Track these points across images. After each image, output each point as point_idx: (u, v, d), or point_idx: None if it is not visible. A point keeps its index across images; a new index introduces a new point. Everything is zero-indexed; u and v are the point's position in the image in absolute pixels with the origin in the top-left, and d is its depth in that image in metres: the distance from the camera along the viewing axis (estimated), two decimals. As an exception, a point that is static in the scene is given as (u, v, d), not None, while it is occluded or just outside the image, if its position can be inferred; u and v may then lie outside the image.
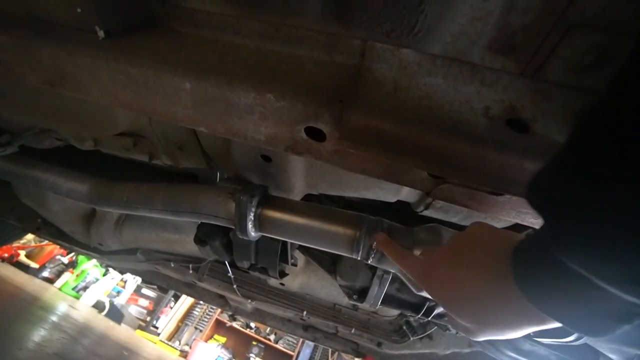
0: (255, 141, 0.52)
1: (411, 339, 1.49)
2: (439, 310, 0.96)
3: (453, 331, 1.24)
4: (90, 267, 4.87)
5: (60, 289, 4.58)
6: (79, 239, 1.73)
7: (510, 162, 0.40)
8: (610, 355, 0.70)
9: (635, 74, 0.21)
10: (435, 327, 1.46)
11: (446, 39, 0.46)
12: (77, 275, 4.74)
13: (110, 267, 4.67)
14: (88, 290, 4.70)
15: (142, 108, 0.57)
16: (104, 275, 4.95)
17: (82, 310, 4.02)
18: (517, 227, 0.76)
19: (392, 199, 0.76)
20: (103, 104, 0.60)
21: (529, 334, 0.79)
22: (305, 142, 0.48)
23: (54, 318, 2.90)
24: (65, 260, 4.88)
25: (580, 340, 0.65)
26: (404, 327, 1.51)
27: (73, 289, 4.65)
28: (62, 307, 3.56)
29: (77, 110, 0.89)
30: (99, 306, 4.57)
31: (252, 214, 0.68)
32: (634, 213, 0.20)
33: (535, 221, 0.46)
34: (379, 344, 1.58)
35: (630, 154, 0.20)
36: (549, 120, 0.43)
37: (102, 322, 4.00)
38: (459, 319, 0.33)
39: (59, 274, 4.77)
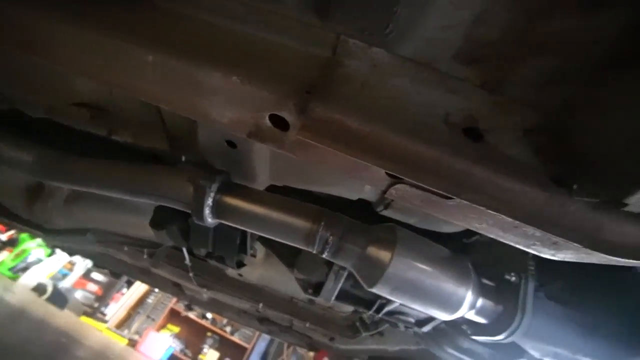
0: (218, 124, 0.51)
1: (363, 335, 1.53)
2: (390, 307, 1.00)
3: (402, 329, 1.29)
4: (34, 246, 4.49)
5: (-6, 269, 4.19)
6: (20, 214, 1.59)
7: (462, 168, 0.42)
8: (532, 352, 0.77)
9: None
10: (387, 325, 1.52)
11: (417, 43, 0.48)
12: (16, 255, 4.35)
13: (57, 247, 4.34)
14: (28, 271, 4.33)
15: (105, 78, 0.54)
16: (49, 255, 4.59)
17: (19, 293, 3.70)
18: (468, 232, 0.81)
19: (354, 196, 0.78)
20: (66, 71, 0.56)
21: (468, 333, 0.84)
22: (269, 130, 0.47)
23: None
24: (4, 237, 4.46)
25: (508, 339, 0.71)
26: (357, 324, 1.55)
27: (10, 269, 4.26)
28: (-5, 289, 3.25)
29: (30, 72, 0.81)
30: (39, 289, 4.23)
31: (210, 200, 0.66)
32: None
33: (479, 226, 0.49)
34: (332, 339, 1.62)
35: None
36: (502, 133, 0.47)
37: (41, 307, 3.71)
38: None
39: (-6, 253, 4.36)
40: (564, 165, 0.43)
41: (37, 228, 1.64)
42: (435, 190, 0.43)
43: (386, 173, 0.44)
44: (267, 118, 0.47)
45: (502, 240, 0.49)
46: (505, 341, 0.70)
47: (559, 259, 0.50)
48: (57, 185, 1.13)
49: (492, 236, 0.50)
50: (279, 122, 0.46)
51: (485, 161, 0.43)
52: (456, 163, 0.42)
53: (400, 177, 0.43)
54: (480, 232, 0.50)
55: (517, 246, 0.50)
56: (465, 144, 0.44)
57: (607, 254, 0.41)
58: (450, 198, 0.44)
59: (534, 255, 0.78)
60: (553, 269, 0.89)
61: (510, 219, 0.42)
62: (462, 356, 1.12)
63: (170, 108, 0.53)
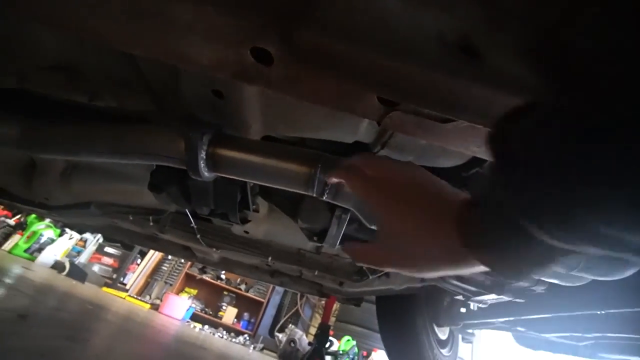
0: (200, 66, 0.48)
1: (370, 277, 1.61)
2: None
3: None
4: (43, 228, 4.59)
5: (10, 252, 4.32)
6: (19, 193, 1.59)
7: (459, 87, 0.40)
8: (532, 273, 0.81)
9: None
10: (392, 267, 1.59)
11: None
12: (28, 237, 4.46)
13: (66, 225, 4.43)
14: (43, 252, 4.48)
15: (64, 22, 0.50)
16: (60, 235, 4.71)
17: (39, 271, 3.86)
18: (466, 165, 0.81)
19: (350, 139, 0.76)
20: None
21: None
22: (253, 67, 0.45)
23: (8, 280, 2.77)
24: (12, 222, 4.54)
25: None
26: (364, 268, 1.62)
27: (25, 251, 4.40)
28: (16, 270, 3.38)
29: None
30: (58, 267, 4.41)
31: (203, 152, 0.65)
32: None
33: (477, 149, 0.48)
34: (341, 284, 1.71)
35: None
36: (499, 50, 0.44)
37: (64, 282, 3.89)
38: (402, 270, 0.35)
39: (6, 237, 4.46)
40: (560, 82, 0.40)
41: (39, 206, 1.65)
42: (432, 114, 0.41)
43: (379, 100, 0.42)
44: (249, 53, 0.44)
45: (501, 162, 0.49)
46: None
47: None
48: (46, 157, 1.12)
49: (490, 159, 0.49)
50: (263, 57, 0.43)
51: (482, 79, 0.41)
52: (453, 82, 0.40)
53: (394, 101, 0.41)
54: (478, 155, 0.49)
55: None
56: (461, 62, 0.41)
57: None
58: (447, 121, 0.43)
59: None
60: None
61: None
62: (464, 285, 1.19)
63: (146, 54, 0.50)
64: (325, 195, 0.64)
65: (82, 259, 4.90)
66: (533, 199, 0.24)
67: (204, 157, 0.65)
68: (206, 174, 0.68)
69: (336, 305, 4.37)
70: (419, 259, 0.32)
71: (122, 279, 5.12)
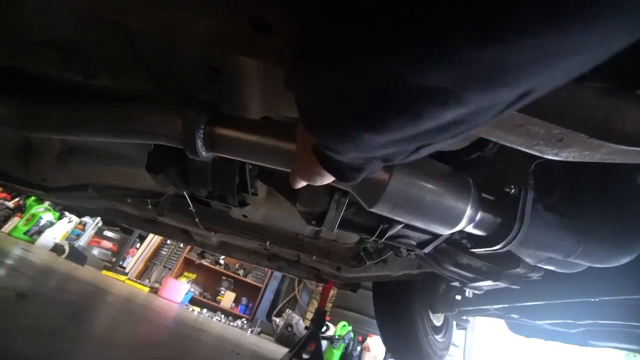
0: (197, 37, 0.46)
1: (367, 263, 1.62)
2: (392, 232, 1.04)
3: (405, 254, 1.36)
4: (42, 211, 4.60)
5: (9, 234, 4.34)
6: (17, 175, 1.58)
7: None
8: (527, 260, 0.82)
9: None
10: (390, 253, 1.60)
11: None
12: (27, 220, 4.48)
13: (65, 208, 4.43)
14: (43, 234, 4.50)
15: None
16: (59, 219, 4.72)
17: (39, 253, 3.88)
18: (468, 149, 0.80)
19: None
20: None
21: (467, 247, 0.87)
22: (251, 38, 0.43)
23: (8, 261, 2.78)
24: (10, 204, 4.54)
25: (505, 248, 0.74)
26: (362, 254, 1.63)
27: (25, 233, 4.42)
28: (15, 251, 3.40)
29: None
30: (57, 249, 4.44)
31: (201, 132, 0.64)
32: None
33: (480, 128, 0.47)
34: (338, 269, 1.72)
35: None
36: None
37: (63, 264, 3.92)
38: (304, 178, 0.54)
39: (5, 220, 4.47)
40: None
41: (37, 188, 1.64)
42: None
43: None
44: (248, 23, 0.42)
45: (503, 142, 0.48)
46: (503, 250, 0.74)
47: (562, 159, 0.49)
48: (41, 136, 1.10)
49: (493, 139, 0.48)
50: (262, 27, 0.42)
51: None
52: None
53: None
54: (481, 135, 0.48)
55: (520, 148, 0.48)
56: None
57: (616, 142, 0.40)
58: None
59: (533, 170, 0.78)
60: (550, 183, 0.90)
61: (514, 113, 0.40)
62: (461, 271, 1.20)
63: (140, 25, 0.48)
64: (324, 177, 0.64)
65: (82, 242, 4.93)
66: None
67: (202, 136, 0.64)
68: (204, 153, 0.67)
69: (333, 291, 4.44)
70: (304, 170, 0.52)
71: (121, 263, 5.17)
